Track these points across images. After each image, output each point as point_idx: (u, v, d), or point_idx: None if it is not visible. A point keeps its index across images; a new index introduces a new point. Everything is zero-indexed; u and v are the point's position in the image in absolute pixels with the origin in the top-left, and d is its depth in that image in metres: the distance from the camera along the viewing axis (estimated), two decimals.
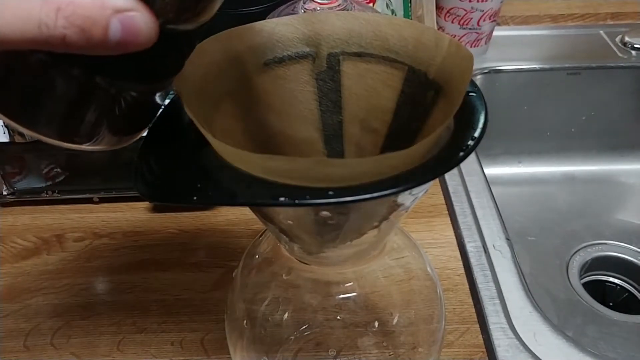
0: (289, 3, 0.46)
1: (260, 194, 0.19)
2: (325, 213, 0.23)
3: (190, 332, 0.41)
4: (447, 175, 0.54)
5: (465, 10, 0.64)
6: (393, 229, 0.29)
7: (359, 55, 0.26)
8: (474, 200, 0.51)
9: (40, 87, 0.18)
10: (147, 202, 0.51)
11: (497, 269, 0.44)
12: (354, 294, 0.32)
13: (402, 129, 0.26)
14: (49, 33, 0.15)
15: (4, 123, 0.44)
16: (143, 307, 0.43)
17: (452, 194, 0.52)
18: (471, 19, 0.64)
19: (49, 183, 0.50)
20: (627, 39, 0.70)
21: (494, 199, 0.51)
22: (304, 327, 0.37)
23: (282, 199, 0.18)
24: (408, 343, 0.35)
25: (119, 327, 0.41)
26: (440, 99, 0.24)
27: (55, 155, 0.48)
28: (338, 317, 0.36)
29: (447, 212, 0.50)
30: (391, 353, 0.36)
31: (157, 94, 0.22)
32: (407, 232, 0.35)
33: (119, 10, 0.15)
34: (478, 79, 0.67)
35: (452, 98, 0.22)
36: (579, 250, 0.62)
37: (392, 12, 0.59)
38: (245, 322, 0.34)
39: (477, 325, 0.40)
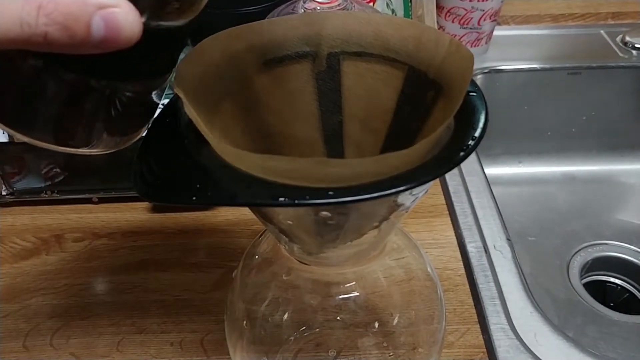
0: (288, 3, 0.46)
1: (260, 194, 0.19)
2: (325, 213, 0.23)
3: (190, 332, 0.41)
4: (447, 175, 0.54)
5: (466, 10, 0.64)
6: (393, 229, 0.29)
7: (359, 55, 0.26)
8: (474, 201, 0.51)
9: (33, 92, 0.18)
10: (147, 202, 0.51)
11: (497, 269, 0.44)
12: (354, 294, 0.32)
13: (402, 128, 0.26)
14: (31, 31, 0.15)
15: None
16: (142, 307, 0.43)
17: (452, 194, 0.52)
18: (471, 18, 0.64)
19: (48, 183, 0.50)
20: (627, 38, 0.70)
21: (495, 199, 0.51)
22: (304, 327, 0.37)
23: (282, 199, 0.18)
24: (408, 343, 0.35)
25: (119, 327, 0.41)
26: (440, 99, 0.24)
27: (55, 155, 0.48)
28: (338, 318, 0.36)
29: (447, 212, 0.50)
30: (391, 354, 0.36)
31: (153, 93, 0.22)
32: (408, 232, 0.35)
33: (102, 6, 0.15)
34: (478, 79, 0.67)
35: (453, 98, 0.22)
36: (579, 250, 0.62)
37: (393, 11, 0.59)
38: (245, 322, 0.34)
39: (478, 326, 0.40)
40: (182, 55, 0.23)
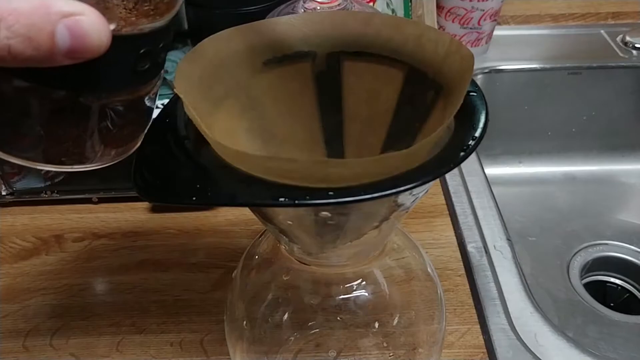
0: (289, 2, 0.46)
1: (260, 194, 0.19)
2: (325, 213, 0.23)
3: (190, 332, 0.41)
4: (447, 175, 0.54)
5: (466, 10, 0.64)
6: (393, 230, 0.29)
7: (359, 55, 0.26)
8: (474, 201, 0.51)
9: (14, 111, 0.17)
10: (147, 203, 0.51)
11: (497, 270, 0.44)
12: (354, 294, 0.32)
13: (402, 128, 0.26)
14: None
15: None
16: (142, 307, 0.43)
17: (452, 194, 0.52)
18: (472, 18, 0.64)
19: (48, 183, 0.50)
20: (628, 38, 0.70)
21: (495, 199, 0.51)
22: (303, 327, 0.37)
23: (282, 199, 0.18)
24: (408, 344, 0.35)
25: (118, 327, 0.41)
26: (440, 99, 0.24)
27: None
28: (338, 318, 0.35)
29: (447, 212, 0.50)
30: (391, 354, 0.36)
31: (145, 99, 0.21)
32: (408, 232, 0.35)
33: (65, 15, 0.15)
34: (479, 79, 0.67)
35: (453, 98, 0.22)
36: (579, 250, 0.62)
37: (393, 11, 0.58)
38: (245, 322, 0.34)
39: (478, 326, 0.40)
40: (182, 56, 0.23)
